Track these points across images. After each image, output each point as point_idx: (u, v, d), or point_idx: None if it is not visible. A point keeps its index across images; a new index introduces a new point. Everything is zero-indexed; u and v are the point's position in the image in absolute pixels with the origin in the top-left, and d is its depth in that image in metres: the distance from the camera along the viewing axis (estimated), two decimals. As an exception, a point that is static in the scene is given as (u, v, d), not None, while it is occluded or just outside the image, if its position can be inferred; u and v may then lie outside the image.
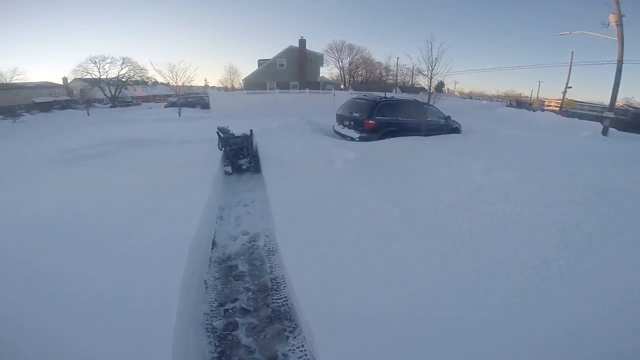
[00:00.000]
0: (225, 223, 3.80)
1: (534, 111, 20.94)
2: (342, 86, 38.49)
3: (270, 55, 28.84)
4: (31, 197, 3.75)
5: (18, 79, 35.65)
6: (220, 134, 5.50)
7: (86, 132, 10.20)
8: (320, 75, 32.72)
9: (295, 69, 27.10)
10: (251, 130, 5.70)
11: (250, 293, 2.65)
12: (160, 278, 2.19)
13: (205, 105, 21.74)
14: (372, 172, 4.43)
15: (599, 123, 14.65)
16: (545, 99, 30.88)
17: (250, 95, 18.90)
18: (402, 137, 6.96)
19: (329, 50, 42.55)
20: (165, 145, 6.56)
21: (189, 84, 24.63)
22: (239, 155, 5.50)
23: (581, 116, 19.39)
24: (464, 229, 2.87)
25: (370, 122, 7.09)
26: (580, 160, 5.27)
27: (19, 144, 8.87)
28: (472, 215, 3.11)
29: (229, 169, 5.41)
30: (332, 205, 3.49)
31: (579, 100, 25.76)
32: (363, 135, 7.08)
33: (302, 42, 26.84)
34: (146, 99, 42.73)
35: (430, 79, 8.18)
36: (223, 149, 5.50)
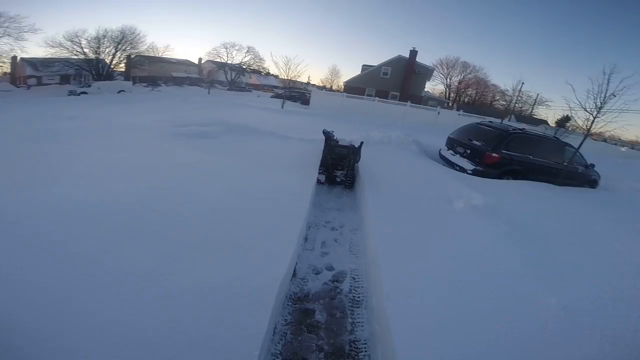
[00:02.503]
0: (310, 247, 3.24)
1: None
2: (445, 104, 35.83)
3: (375, 62, 28.41)
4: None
5: (167, 55, 41.91)
6: (327, 138, 5.14)
7: (201, 110, 11.26)
8: (425, 90, 30.94)
9: (399, 80, 26.06)
10: (362, 143, 5.11)
11: (322, 354, 2.09)
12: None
13: (305, 102, 22.51)
14: (511, 234, 3.27)
15: None
16: None
17: (349, 99, 18.72)
18: (531, 183, 5.60)
19: (438, 65, 40.12)
20: (267, 137, 6.55)
21: (295, 79, 25.90)
22: (338, 165, 5.04)
23: None
24: None
25: (494, 155, 5.89)
26: None
27: (144, 110, 10.15)
28: None
29: (323, 177, 4.99)
30: (459, 273, 2.59)
31: None
32: (479, 168, 5.94)
33: (413, 53, 25.62)
34: (257, 87, 46.82)
35: (594, 118, 6.39)
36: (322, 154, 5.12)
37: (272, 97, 28.89)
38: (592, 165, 7.18)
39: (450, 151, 6.89)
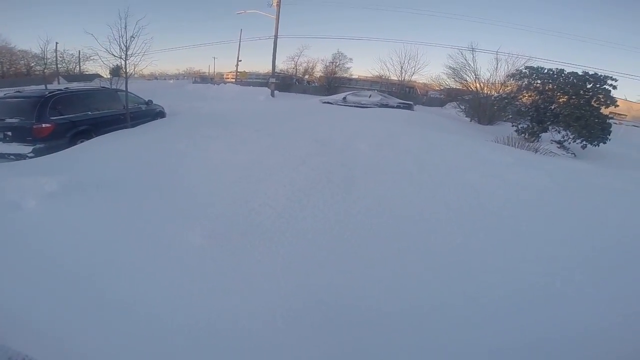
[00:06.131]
0: None
1: (218, 84, 23.61)
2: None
3: None
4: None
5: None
6: None
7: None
8: None
9: None
10: None
11: None
12: None
13: None
14: (111, 203, 2.92)
15: (267, 88, 18.92)
16: (223, 73, 35.19)
17: None
18: (107, 136, 5.40)
19: None
20: None
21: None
22: None
23: (254, 84, 24.17)
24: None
25: (45, 125, 4.86)
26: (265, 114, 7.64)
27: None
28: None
29: None
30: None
31: (250, 71, 31.53)
32: (39, 146, 4.78)
33: None
34: None
35: (126, 61, 6.58)
36: None
37: None
38: (151, 101, 8.08)
39: (-16, 142, 4.94)
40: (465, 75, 14.88)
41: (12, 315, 1.70)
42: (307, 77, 32.18)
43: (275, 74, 19.81)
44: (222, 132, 5.36)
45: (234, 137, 5.07)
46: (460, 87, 16.01)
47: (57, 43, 26.28)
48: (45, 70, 24.99)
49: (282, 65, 29.50)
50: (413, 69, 25.01)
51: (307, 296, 1.93)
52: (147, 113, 7.56)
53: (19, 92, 6.04)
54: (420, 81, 27.20)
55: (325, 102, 13.98)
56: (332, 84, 25.54)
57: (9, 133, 4.84)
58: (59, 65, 30.76)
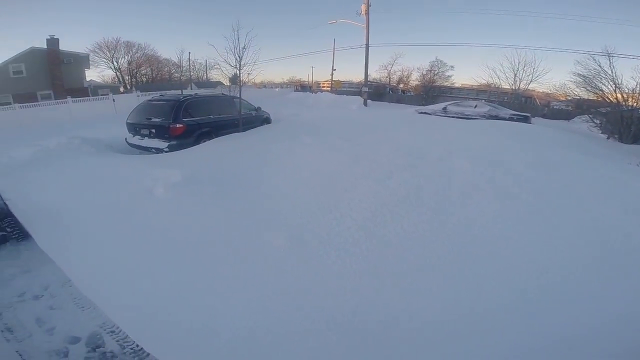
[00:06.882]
0: (22, 335, 2.12)
1: (316, 93, 25.01)
2: (121, 89, 32.28)
3: (-7, 60, 20.18)
4: None
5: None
6: None
7: None
8: (88, 79, 26.34)
9: (43, 75, 20.51)
10: None
11: None
12: None
13: None
14: (216, 196, 3.45)
15: (360, 97, 19.16)
16: (320, 81, 37.05)
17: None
18: (222, 138, 6.29)
19: (96, 50, 34.35)
20: None
21: None
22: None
23: (347, 93, 24.79)
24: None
25: (179, 125, 5.94)
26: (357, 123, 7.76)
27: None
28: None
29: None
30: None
31: (344, 79, 32.46)
32: (173, 143, 5.87)
33: (53, 41, 20.63)
34: None
35: (240, 70, 7.61)
36: None
37: None
38: (260, 108, 8.99)
39: (138, 136, 6.33)
40: (600, 84, 12.23)
41: (133, 277, 2.12)
42: (401, 85, 31.34)
43: (368, 82, 19.84)
44: (315, 139, 5.64)
45: (325, 145, 5.28)
46: (594, 98, 13.21)
47: (189, 53, 31.77)
48: (182, 77, 30.50)
49: (375, 74, 29.42)
50: (530, 76, 21.77)
51: (373, 316, 1.87)
52: (256, 119, 8.43)
53: (162, 95, 7.54)
54: (540, 90, 23.48)
55: (422, 113, 13.31)
56: (430, 93, 24.25)
57: (153, 130, 6.08)
58: (191, 73, 37.19)
